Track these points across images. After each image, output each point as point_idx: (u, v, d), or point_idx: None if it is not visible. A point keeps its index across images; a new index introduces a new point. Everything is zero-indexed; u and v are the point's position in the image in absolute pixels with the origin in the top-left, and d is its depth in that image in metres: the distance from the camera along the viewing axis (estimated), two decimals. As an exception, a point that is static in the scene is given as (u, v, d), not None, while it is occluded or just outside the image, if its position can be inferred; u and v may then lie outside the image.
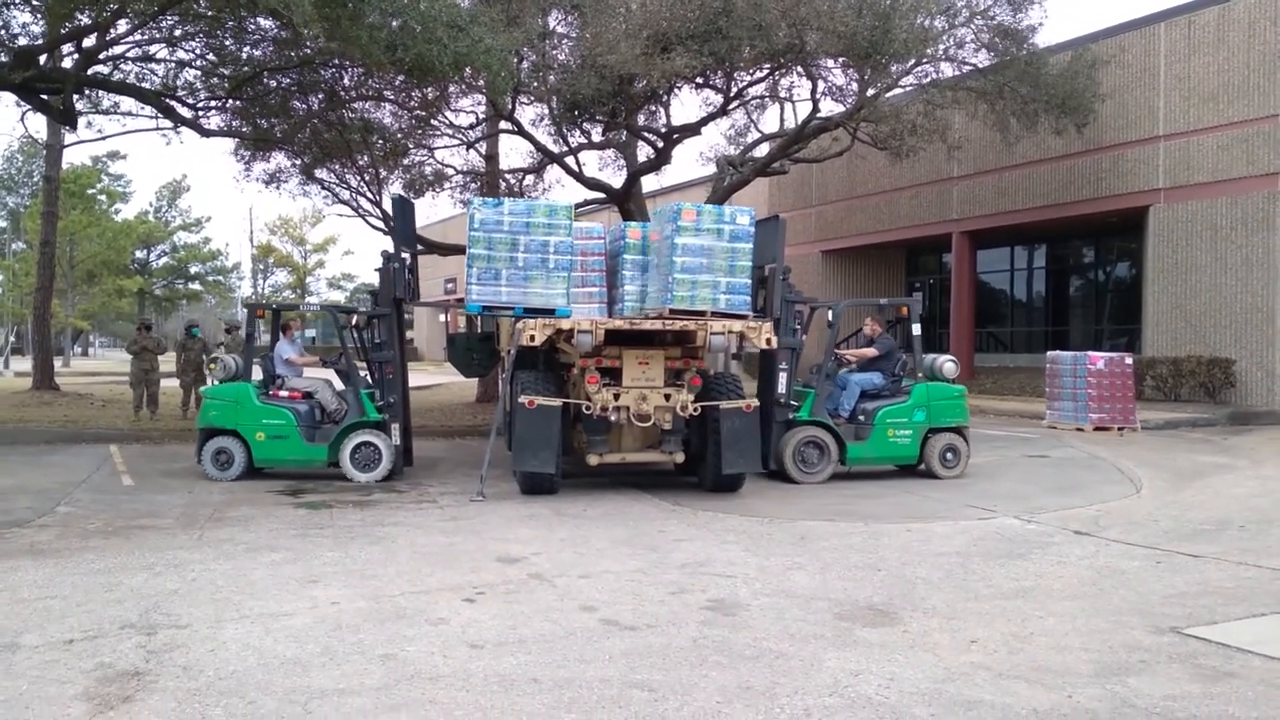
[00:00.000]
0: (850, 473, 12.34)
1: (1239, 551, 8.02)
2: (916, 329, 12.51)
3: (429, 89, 17.77)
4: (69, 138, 23.73)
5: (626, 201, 21.72)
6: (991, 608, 6.40)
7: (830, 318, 12.43)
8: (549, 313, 10.74)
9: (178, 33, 16.18)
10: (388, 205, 21.89)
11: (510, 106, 19.53)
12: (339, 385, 12.32)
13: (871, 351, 12.55)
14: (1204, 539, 8.57)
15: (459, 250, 25.12)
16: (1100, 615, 6.20)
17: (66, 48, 16.54)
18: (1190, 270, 20.52)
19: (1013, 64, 18.69)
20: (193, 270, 65.80)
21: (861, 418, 12.18)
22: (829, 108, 20.67)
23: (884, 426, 12.14)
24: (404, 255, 12.17)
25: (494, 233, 10.75)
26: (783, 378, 11.84)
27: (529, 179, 25.12)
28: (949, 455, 12.34)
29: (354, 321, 12.66)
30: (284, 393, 12.12)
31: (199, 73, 17.77)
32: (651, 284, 11.22)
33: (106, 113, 19.43)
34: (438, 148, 23.65)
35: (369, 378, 12.24)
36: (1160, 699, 4.78)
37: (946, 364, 12.55)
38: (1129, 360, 17.68)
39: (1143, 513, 9.91)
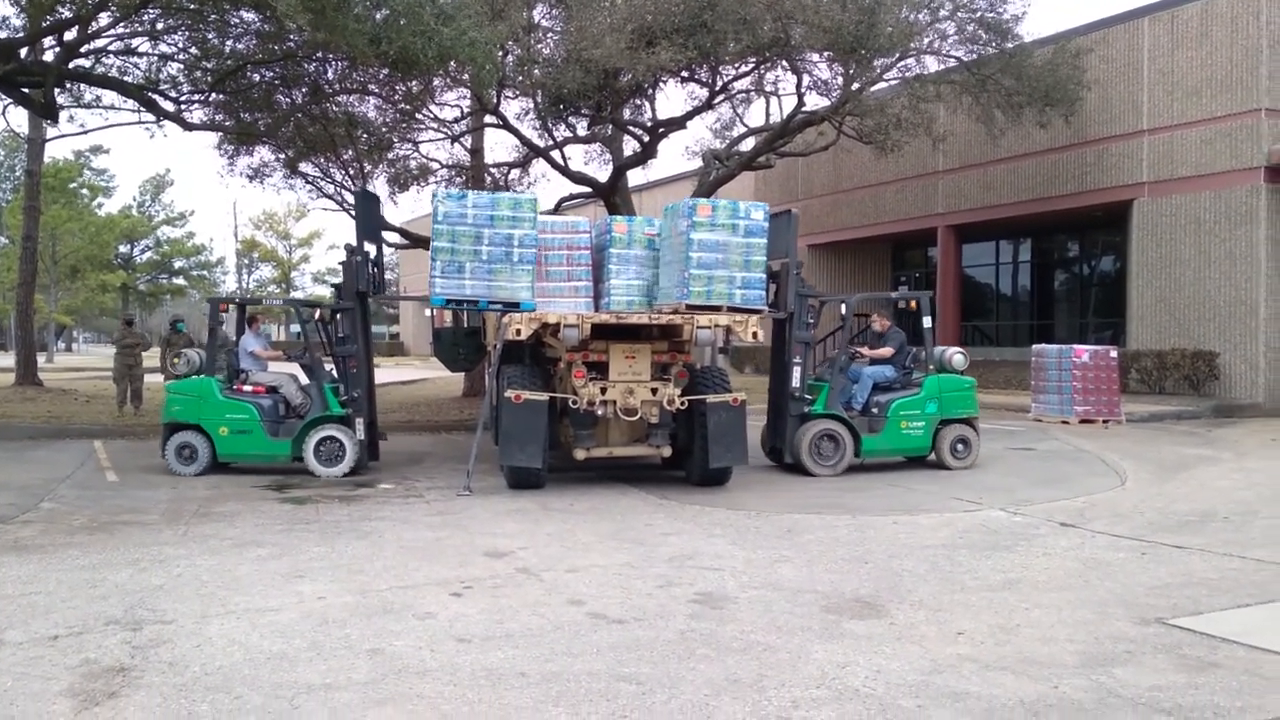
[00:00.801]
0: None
1: (1223, 543, 8.07)
2: (928, 322, 12.62)
3: (413, 82, 17.71)
4: (50, 132, 23.58)
5: (612, 195, 21.73)
6: (978, 599, 6.42)
7: (843, 312, 12.46)
8: (514, 305, 10.76)
9: (160, 26, 16.09)
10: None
11: (495, 100, 19.49)
12: (304, 379, 12.27)
13: (888, 351, 12.61)
14: (1188, 530, 8.61)
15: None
16: (1086, 606, 6.23)
17: (48, 41, 16.41)
18: (1174, 264, 20.63)
19: (997, 57, 18.75)
20: (177, 265, 65.45)
21: (875, 410, 12.27)
22: (814, 102, 20.73)
23: (897, 419, 12.25)
24: (368, 249, 12.12)
25: (458, 225, 10.72)
26: (796, 372, 11.86)
27: (514, 173, 25.08)
28: (960, 446, 12.48)
29: (317, 315, 12.62)
30: (248, 387, 12.09)
31: (182, 66, 17.66)
32: (664, 278, 11.25)
33: (88, 106, 19.32)
34: (422, 142, 23.61)
35: (334, 372, 12.20)
36: (1145, 689, 4.80)
37: (956, 356, 12.67)
38: (1114, 353, 17.78)
39: (1128, 505, 9.96)
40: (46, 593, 6.49)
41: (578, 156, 56.33)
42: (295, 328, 70.56)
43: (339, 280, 12.35)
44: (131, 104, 17.79)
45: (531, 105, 20.46)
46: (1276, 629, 5.75)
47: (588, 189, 23.06)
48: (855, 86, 18.66)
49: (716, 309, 10.59)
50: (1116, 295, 24.00)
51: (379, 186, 23.44)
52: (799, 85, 19.77)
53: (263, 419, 11.79)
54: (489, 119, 21.12)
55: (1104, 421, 17.19)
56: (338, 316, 12.05)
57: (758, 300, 10.88)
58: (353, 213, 23.08)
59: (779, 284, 11.77)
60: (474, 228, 10.68)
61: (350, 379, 11.81)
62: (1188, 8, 20.38)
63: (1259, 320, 19.14)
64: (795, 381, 11.87)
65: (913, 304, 12.84)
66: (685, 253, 10.46)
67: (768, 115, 23.23)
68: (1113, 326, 24.26)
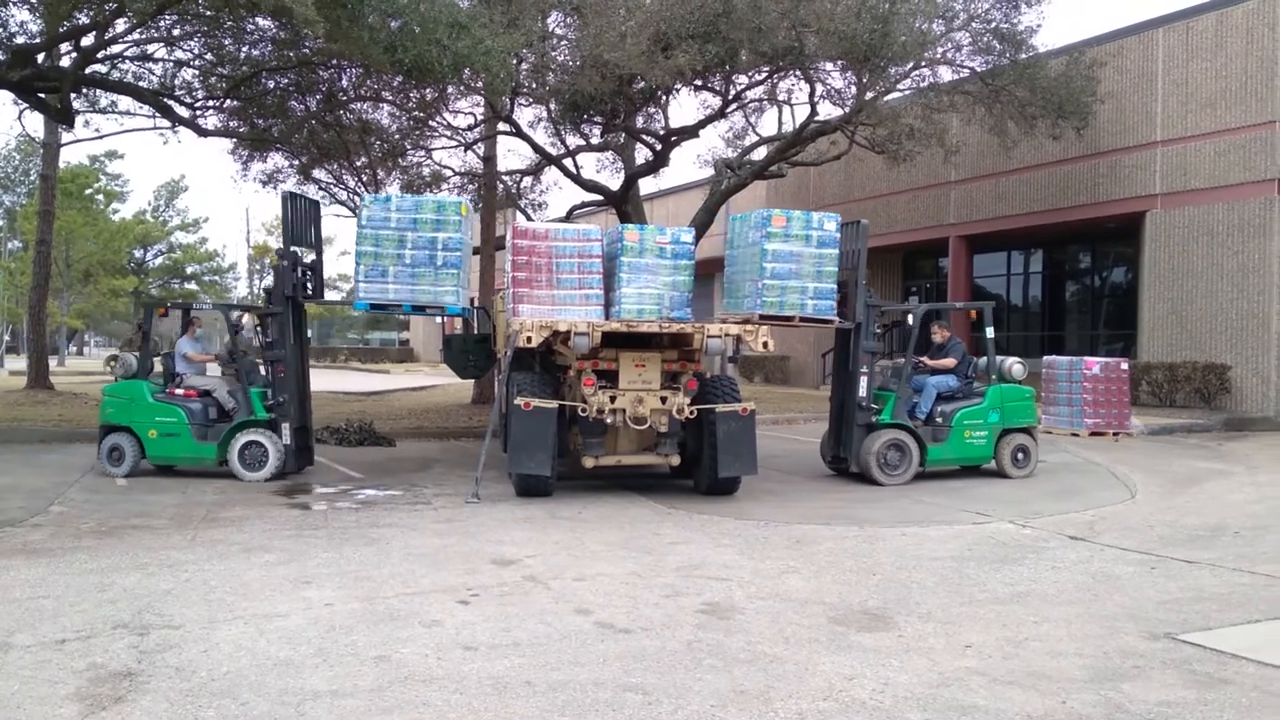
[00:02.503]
0: (844, 476, 12.36)
1: (1233, 558, 8.02)
2: (990, 332, 12.71)
3: (427, 90, 17.76)
4: (66, 136, 23.68)
5: (624, 203, 21.76)
6: (986, 612, 6.39)
7: (909, 321, 12.51)
8: (438, 309, 10.83)
9: (176, 32, 16.17)
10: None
11: (509, 108, 19.54)
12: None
13: (951, 361, 12.67)
14: (1199, 545, 8.57)
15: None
16: (1095, 621, 6.20)
17: (64, 46, 16.51)
18: (1186, 276, 20.54)
19: (1010, 68, 18.71)
20: (189, 270, 65.61)
21: (939, 420, 12.36)
22: (827, 111, 20.73)
23: (961, 428, 12.34)
24: (296, 253, 12.13)
25: (381, 230, 10.80)
26: (863, 382, 11.93)
27: (527, 180, 25.15)
28: (1020, 455, 12.59)
29: (244, 320, 12.78)
30: (179, 391, 12.23)
31: (197, 72, 17.77)
32: (733, 288, 11.49)
33: (104, 111, 19.42)
34: (435, 149, 23.71)
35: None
36: (1154, 705, 4.77)
37: (1015, 366, 12.80)
38: (1125, 365, 17.70)
39: (1138, 518, 9.92)
40: (55, 596, 6.51)
41: (590, 164, 56.37)
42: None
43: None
44: (147, 109, 17.88)
45: (545, 113, 20.51)
46: (1287, 645, 5.71)
47: (599, 197, 23.09)
48: (869, 96, 18.64)
49: (789, 319, 10.73)
50: (1128, 307, 23.91)
51: (392, 193, 23.49)
52: (812, 94, 19.76)
53: (191, 422, 11.96)
54: (502, 126, 21.18)
55: (1114, 434, 17.12)
56: (267, 320, 12.15)
57: (828, 310, 11.06)
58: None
59: (846, 294, 11.82)
60: (397, 231, 10.78)
61: (278, 383, 11.90)
62: (1203, 19, 20.33)
63: (1271, 334, 19.03)
64: (862, 391, 11.92)
65: (973, 314, 12.95)
66: (759, 263, 10.66)
67: (780, 124, 23.29)
68: (1124, 338, 24.17)
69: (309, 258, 12.33)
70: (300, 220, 12.26)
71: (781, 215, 10.82)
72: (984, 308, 12.88)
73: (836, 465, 12.69)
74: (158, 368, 12.54)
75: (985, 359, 12.77)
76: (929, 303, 14.14)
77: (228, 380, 12.38)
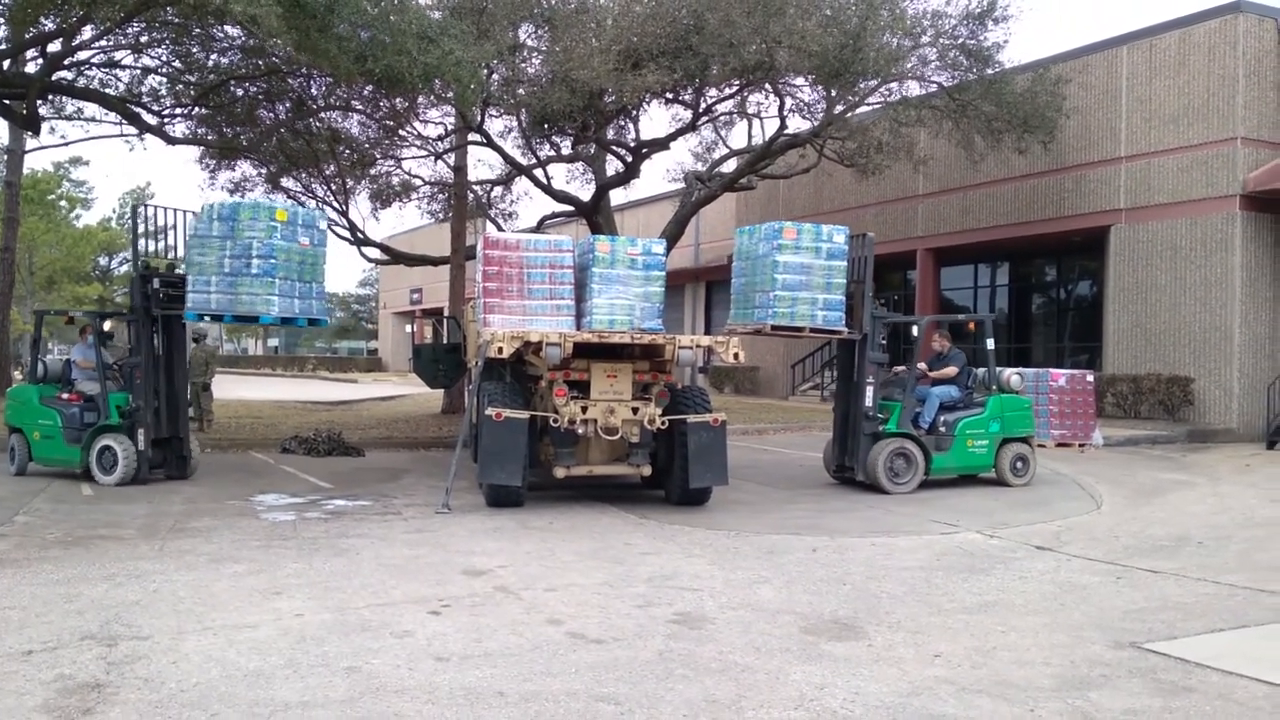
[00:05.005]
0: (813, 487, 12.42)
1: (1197, 568, 8.13)
2: (990, 344, 12.93)
3: (398, 100, 17.74)
4: (30, 143, 23.47)
5: (595, 214, 21.80)
6: (955, 622, 6.45)
7: (914, 333, 12.67)
8: (252, 319, 10.86)
9: (144, 39, 16.07)
10: (355, 215, 21.85)
11: (479, 118, 19.55)
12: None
13: (952, 370, 12.83)
14: (1163, 555, 8.68)
15: (423, 260, 25.23)
16: (1061, 630, 6.27)
17: (30, 53, 16.37)
18: (1150, 289, 20.81)
19: (977, 83, 18.93)
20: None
21: (942, 429, 12.49)
22: (796, 124, 20.88)
23: (964, 437, 12.50)
24: (146, 261, 12.20)
25: (206, 238, 10.78)
26: (869, 391, 12.01)
27: (497, 190, 25.16)
28: (1019, 464, 12.81)
29: (107, 327, 13.09)
30: (65, 396, 12.61)
31: (165, 79, 17.65)
32: (741, 299, 11.65)
33: (70, 118, 19.29)
34: (405, 158, 23.68)
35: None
36: (1120, 713, 4.83)
37: (1014, 377, 13.14)
38: (1090, 378, 17.89)
39: (1103, 529, 10.03)
40: (20, 607, 6.43)
41: (560, 175, 56.56)
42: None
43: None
44: (113, 116, 17.75)
45: (515, 124, 20.54)
46: (1249, 654, 5.80)
47: (570, 207, 23.13)
48: (837, 110, 18.80)
49: (799, 330, 10.86)
50: (1093, 320, 24.17)
51: (361, 201, 23.49)
52: (781, 108, 19.92)
53: (64, 426, 12.36)
54: (472, 136, 21.19)
55: (1080, 445, 17.29)
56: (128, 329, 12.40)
57: (837, 322, 11.24)
58: (335, 228, 23.18)
59: (852, 305, 11.93)
60: (219, 239, 10.77)
61: (135, 389, 12.08)
62: (1165, 37, 20.64)
63: (1233, 346, 19.32)
64: (868, 401, 12.01)
65: (971, 325, 13.15)
66: (771, 275, 10.86)
67: (750, 137, 23.41)
68: (1089, 351, 24.43)
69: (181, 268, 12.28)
70: (166, 231, 12.41)
71: (792, 228, 10.99)
72: (984, 319, 13.08)
73: (841, 475, 12.77)
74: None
75: (984, 369, 12.95)
76: (930, 315, 14.36)
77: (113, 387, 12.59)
